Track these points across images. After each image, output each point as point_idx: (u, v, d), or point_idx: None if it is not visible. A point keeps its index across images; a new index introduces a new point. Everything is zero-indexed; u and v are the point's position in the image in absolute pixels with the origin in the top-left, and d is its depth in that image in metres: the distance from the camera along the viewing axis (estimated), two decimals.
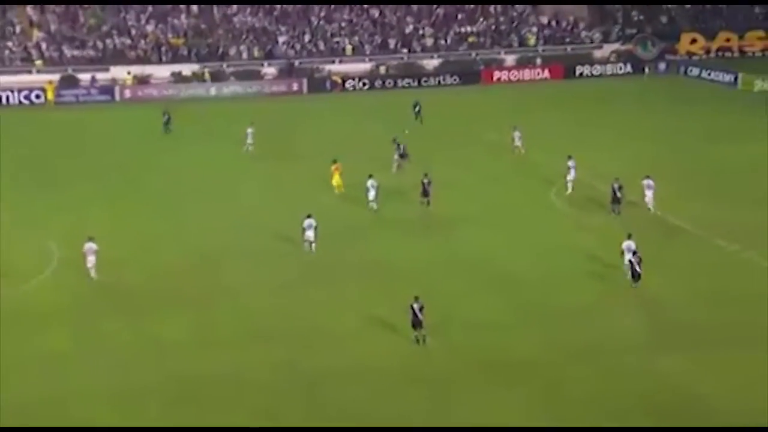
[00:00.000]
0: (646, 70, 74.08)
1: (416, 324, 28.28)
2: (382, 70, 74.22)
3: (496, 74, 74.45)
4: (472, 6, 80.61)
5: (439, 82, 73.10)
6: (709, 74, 71.19)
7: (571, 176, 42.06)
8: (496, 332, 29.40)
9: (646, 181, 39.77)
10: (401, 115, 59.75)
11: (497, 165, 48.11)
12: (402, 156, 46.17)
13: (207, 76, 70.15)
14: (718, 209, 39.89)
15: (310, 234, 35.60)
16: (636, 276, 32.17)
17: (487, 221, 39.77)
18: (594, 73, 75.33)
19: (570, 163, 42.24)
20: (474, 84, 72.61)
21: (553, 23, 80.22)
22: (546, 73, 74.87)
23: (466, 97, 67.24)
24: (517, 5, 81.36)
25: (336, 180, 42.33)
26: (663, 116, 58.97)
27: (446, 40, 77.24)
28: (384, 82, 72.63)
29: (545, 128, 53.93)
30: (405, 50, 76.03)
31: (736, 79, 68.31)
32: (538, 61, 76.15)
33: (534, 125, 53.48)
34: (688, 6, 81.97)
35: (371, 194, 40.27)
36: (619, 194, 39.26)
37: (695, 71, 72.86)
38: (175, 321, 30.29)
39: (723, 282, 32.85)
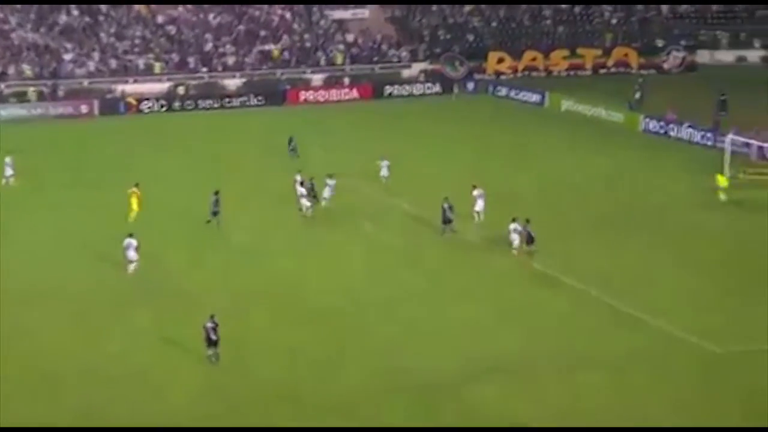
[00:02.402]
0: (455, 89, 76.48)
1: (210, 343, 28.97)
2: (181, 90, 72.98)
3: (303, 94, 74.79)
4: (275, 23, 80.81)
5: (242, 103, 72.62)
6: (517, 94, 74.33)
7: (479, 206, 41.78)
8: (308, 366, 29.37)
9: (476, 192, 41.64)
10: (203, 138, 58.98)
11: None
12: (215, 213, 42.13)
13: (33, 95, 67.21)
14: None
15: (131, 254, 35.67)
16: (531, 241, 37.82)
17: (298, 250, 39.79)
18: (403, 92, 76.97)
19: (475, 193, 41.97)
20: (280, 105, 72.61)
21: (360, 42, 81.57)
22: (354, 93, 75.89)
23: (271, 119, 67.12)
24: (321, 23, 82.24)
25: (133, 204, 41.68)
26: (472, 136, 60.86)
27: (249, 59, 76.92)
28: (183, 104, 71.43)
29: (354, 150, 54.43)
30: (205, 69, 75.14)
31: (543, 98, 71.66)
32: (346, 80, 77.13)
33: (345, 147, 54.08)
34: (494, 24, 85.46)
35: (327, 192, 43.76)
36: (450, 214, 40.56)
37: (503, 91, 75.89)
38: None
39: (538, 306, 34.05)
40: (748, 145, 52.53)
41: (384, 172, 48.92)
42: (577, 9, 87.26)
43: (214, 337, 29.01)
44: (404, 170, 50.33)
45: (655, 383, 28.22)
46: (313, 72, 77.52)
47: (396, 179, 48.32)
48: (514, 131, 62.42)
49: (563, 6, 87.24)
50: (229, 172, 50.08)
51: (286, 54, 78.09)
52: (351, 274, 37.24)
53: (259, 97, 73.06)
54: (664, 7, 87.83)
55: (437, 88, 77.55)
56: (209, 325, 29.10)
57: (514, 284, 36.06)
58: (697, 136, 57.98)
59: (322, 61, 78.45)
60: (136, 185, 42.29)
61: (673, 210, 44.76)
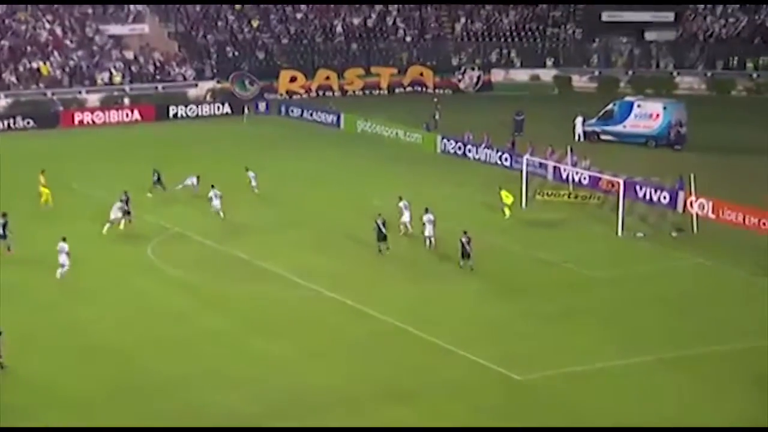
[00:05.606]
0: (246, 110, 76.19)
1: None
2: None
3: (78, 116, 72.47)
4: (43, 38, 77.95)
5: (9, 125, 69.77)
6: (311, 114, 74.70)
7: (405, 217, 44.01)
8: (89, 410, 28.56)
9: (426, 216, 42.83)
10: None
11: (83, 220, 46.46)
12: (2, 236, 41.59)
13: None
14: (327, 259, 41.65)
15: (63, 258, 37.39)
16: (467, 256, 39.70)
17: (69, 283, 38.32)
18: (189, 113, 75.93)
19: (401, 204, 44.25)
20: (52, 127, 70.14)
21: (141, 59, 79.86)
22: (136, 115, 74.17)
23: (43, 143, 64.67)
24: (97, 39, 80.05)
25: (44, 191, 47.58)
26: (266, 160, 60.50)
27: (16, 78, 73.76)
28: None
29: (134, 177, 53.00)
30: None
31: (338, 119, 72.36)
32: (126, 101, 75.34)
33: (121, 174, 52.79)
34: (285, 41, 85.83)
35: (215, 203, 46.20)
36: (384, 230, 41.46)
37: (297, 111, 76.12)
38: None
39: (343, 340, 34.14)
40: (543, 165, 55.00)
41: (253, 182, 51.16)
42: (371, 24, 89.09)
43: None
44: (193, 196, 49.70)
45: (464, 413, 28.82)
46: (88, 92, 75.27)
47: (191, 206, 47.61)
48: (309, 154, 62.66)
49: (356, 23, 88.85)
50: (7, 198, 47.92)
51: (57, 73, 75.39)
52: (140, 310, 36.21)
53: (28, 120, 70.30)
54: (458, 26, 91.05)
55: (227, 108, 76.95)
56: None
57: (317, 318, 36.04)
58: (494, 157, 60.15)
59: (99, 80, 76.29)
60: (42, 172, 48.68)
61: (474, 234, 45.99)
